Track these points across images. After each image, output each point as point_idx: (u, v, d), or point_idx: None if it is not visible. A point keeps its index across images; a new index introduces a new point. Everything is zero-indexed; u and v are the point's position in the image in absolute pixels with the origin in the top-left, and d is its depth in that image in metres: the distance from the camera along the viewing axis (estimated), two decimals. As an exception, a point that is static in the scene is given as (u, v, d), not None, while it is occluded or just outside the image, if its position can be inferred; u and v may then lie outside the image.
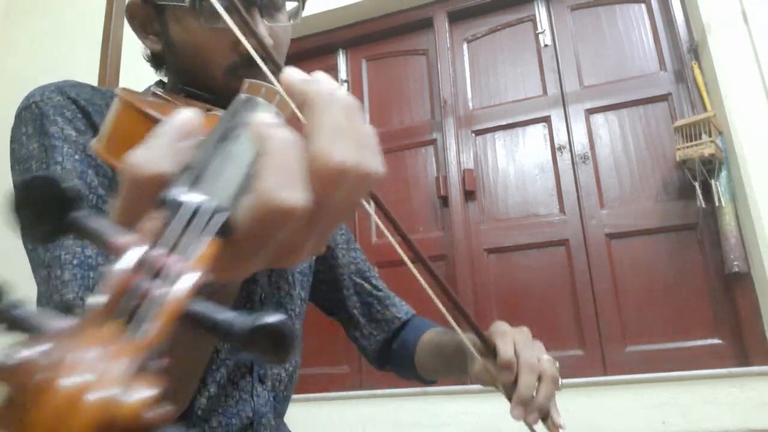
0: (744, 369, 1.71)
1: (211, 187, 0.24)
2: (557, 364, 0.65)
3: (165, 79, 0.74)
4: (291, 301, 0.76)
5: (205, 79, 0.64)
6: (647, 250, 1.97)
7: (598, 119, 2.16)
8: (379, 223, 0.62)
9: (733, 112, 1.85)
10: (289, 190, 0.25)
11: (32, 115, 0.59)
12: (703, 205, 1.83)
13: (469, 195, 2.23)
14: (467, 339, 0.69)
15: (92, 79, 1.92)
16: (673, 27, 2.09)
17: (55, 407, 0.15)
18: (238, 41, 0.53)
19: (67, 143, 0.58)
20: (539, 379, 0.63)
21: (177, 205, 0.23)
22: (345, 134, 0.28)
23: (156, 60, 0.72)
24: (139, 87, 0.68)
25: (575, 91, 2.20)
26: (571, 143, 2.15)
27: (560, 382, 0.64)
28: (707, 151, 1.78)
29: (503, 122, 2.28)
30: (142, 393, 0.17)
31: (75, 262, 0.52)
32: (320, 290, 0.91)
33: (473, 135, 2.32)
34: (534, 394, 0.62)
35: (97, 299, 0.19)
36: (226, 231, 0.24)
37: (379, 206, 0.61)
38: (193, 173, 0.25)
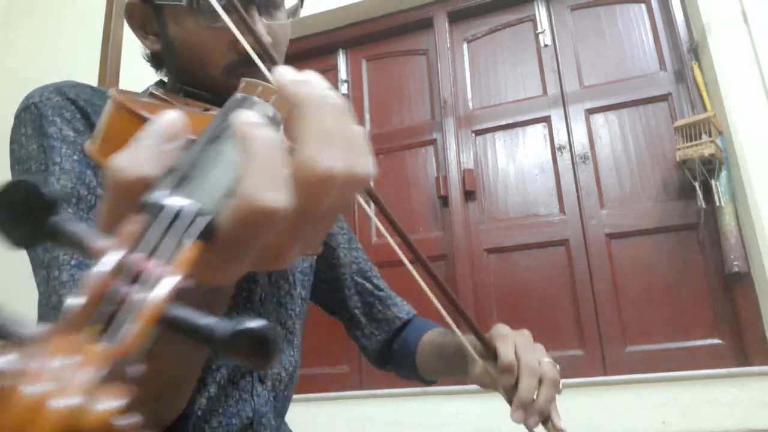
0: (744, 369, 1.71)
1: (194, 189, 0.24)
2: (558, 366, 0.65)
3: (166, 79, 0.74)
4: (291, 300, 0.76)
5: (204, 78, 0.64)
6: (647, 250, 1.97)
7: (598, 119, 2.16)
8: (379, 224, 0.62)
9: (733, 112, 1.85)
10: (271, 192, 0.24)
11: (31, 116, 0.60)
12: (703, 205, 1.83)
13: (469, 195, 2.23)
14: (467, 341, 0.69)
15: (92, 79, 1.92)
16: (673, 27, 2.09)
17: (16, 415, 0.15)
18: (237, 40, 0.53)
19: (66, 144, 0.58)
20: (540, 382, 0.63)
21: (158, 209, 0.23)
22: (334, 139, 0.28)
23: (156, 60, 0.72)
24: (139, 87, 0.68)
25: (575, 91, 2.20)
26: (571, 143, 2.15)
27: (560, 385, 0.64)
28: (707, 151, 1.78)
29: (503, 122, 2.28)
30: (109, 402, 0.16)
31: (73, 262, 0.52)
32: (322, 289, 0.91)
33: (473, 135, 2.32)
34: (534, 397, 0.62)
35: (72, 305, 0.19)
36: (209, 234, 0.24)
37: (379, 207, 0.61)
38: (177, 176, 0.24)
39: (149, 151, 0.25)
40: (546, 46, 2.29)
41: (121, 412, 0.16)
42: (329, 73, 2.62)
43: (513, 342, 0.65)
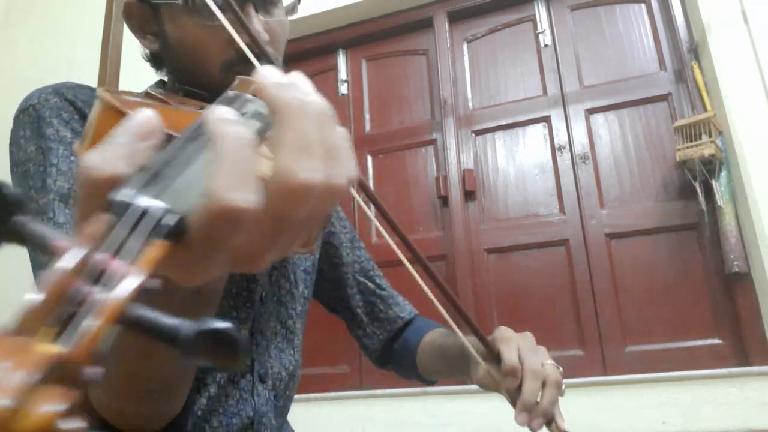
0: (744, 369, 1.71)
1: (165, 188, 0.24)
2: (561, 369, 0.65)
3: (166, 79, 0.74)
4: (292, 299, 0.76)
5: (202, 76, 0.64)
6: (647, 250, 1.97)
7: (598, 119, 2.16)
8: (378, 225, 0.62)
9: (733, 112, 1.85)
10: (239, 192, 0.24)
11: (30, 117, 0.60)
12: (704, 205, 1.83)
13: (469, 195, 2.23)
14: (470, 344, 0.69)
15: (92, 79, 1.92)
16: (673, 27, 2.09)
17: None
18: (234, 38, 0.53)
19: (63, 145, 0.58)
20: (543, 384, 0.63)
21: (123, 207, 0.22)
22: (313, 149, 0.27)
23: (155, 60, 0.72)
24: (139, 87, 0.68)
25: (575, 91, 2.20)
26: (571, 143, 2.15)
27: (563, 387, 0.65)
28: (707, 151, 1.78)
29: (503, 122, 2.28)
30: (47, 405, 0.16)
31: None
32: (324, 288, 0.91)
33: (473, 135, 2.32)
34: (538, 399, 0.62)
35: (29, 304, 0.18)
36: (177, 234, 0.23)
37: (378, 208, 0.61)
38: (148, 174, 0.24)
39: (121, 149, 0.25)
40: (546, 46, 2.29)
41: (62, 416, 0.16)
42: (329, 73, 2.63)
43: (516, 345, 0.65)
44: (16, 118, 0.62)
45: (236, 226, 0.24)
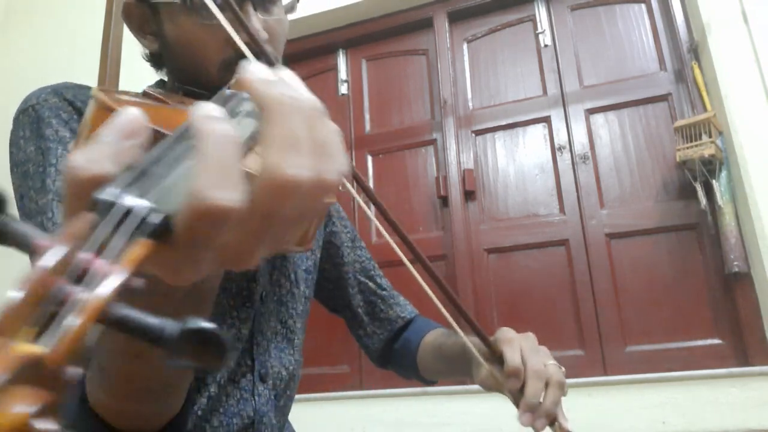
0: (744, 369, 1.71)
1: (151, 187, 0.24)
2: (563, 369, 0.66)
3: (166, 79, 0.74)
4: (293, 299, 0.76)
5: (202, 75, 0.64)
6: (647, 250, 1.97)
7: (598, 119, 2.16)
8: (379, 225, 0.62)
9: (733, 112, 1.85)
10: (223, 190, 0.23)
11: (29, 118, 0.60)
12: (703, 205, 1.83)
13: (469, 195, 2.23)
14: (472, 345, 0.69)
15: (92, 79, 1.92)
16: (673, 27, 2.09)
17: None
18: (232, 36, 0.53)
19: (62, 145, 0.58)
20: (546, 384, 0.63)
21: (107, 206, 0.22)
22: (301, 146, 0.27)
23: (155, 59, 0.72)
24: (139, 87, 0.68)
25: (575, 91, 2.20)
26: (571, 143, 2.15)
27: (566, 387, 0.65)
28: (707, 151, 1.78)
29: (503, 122, 2.28)
30: (19, 406, 0.16)
31: None
32: (325, 288, 0.91)
33: (473, 135, 2.32)
34: (541, 399, 0.62)
35: (9, 304, 0.18)
36: (162, 233, 0.23)
37: (379, 208, 0.61)
38: (134, 173, 0.24)
39: (107, 148, 0.25)
40: (546, 46, 2.29)
41: (34, 417, 0.16)
42: (329, 73, 2.63)
43: (519, 346, 0.65)
44: (16, 119, 0.62)
45: (221, 225, 0.24)
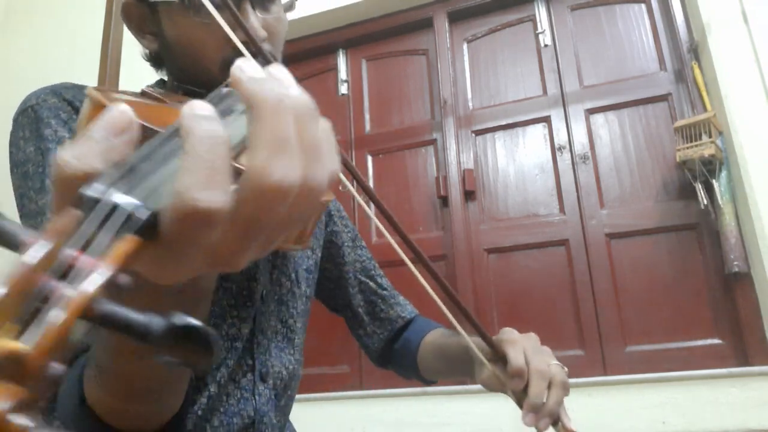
0: (744, 369, 1.71)
1: (139, 184, 0.23)
2: (566, 369, 0.66)
3: (166, 79, 0.74)
4: (294, 298, 0.76)
5: (201, 74, 0.64)
6: (647, 250, 1.97)
7: (598, 119, 2.16)
8: (379, 224, 0.62)
9: (733, 112, 1.85)
10: (207, 191, 0.23)
11: (28, 119, 0.60)
12: (703, 205, 1.83)
13: (469, 195, 2.23)
14: (475, 345, 0.69)
15: (92, 79, 1.92)
16: (673, 27, 2.09)
17: None
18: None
19: (61, 145, 0.58)
20: (549, 385, 0.63)
21: (92, 203, 0.22)
22: (289, 147, 0.26)
23: (155, 59, 0.72)
24: (140, 87, 0.68)
25: (575, 91, 2.20)
26: (571, 143, 2.15)
27: (569, 387, 0.65)
28: (707, 151, 1.78)
29: (503, 122, 2.28)
30: None
31: None
32: (326, 287, 0.91)
33: (473, 135, 2.32)
34: (544, 399, 0.63)
35: None
36: (148, 230, 0.23)
37: (379, 207, 0.61)
38: (122, 170, 0.24)
39: (95, 145, 0.24)
40: (546, 46, 2.29)
41: (8, 412, 0.16)
42: (329, 73, 2.63)
43: (522, 346, 0.66)
44: (15, 120, 0.62)
45: (205, 226, 0.24)
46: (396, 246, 0.62)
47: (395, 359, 0.93)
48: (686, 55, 2.04)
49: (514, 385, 0.64)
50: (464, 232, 2.18)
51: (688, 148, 1.82)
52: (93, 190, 0.22)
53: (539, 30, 2.32)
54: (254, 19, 0.62)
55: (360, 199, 0.61)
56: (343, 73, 2.60)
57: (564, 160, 2.15)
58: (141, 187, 0.23)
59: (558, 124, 2.20)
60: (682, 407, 1.70)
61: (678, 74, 2.07)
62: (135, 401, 0.40)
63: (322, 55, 2.64)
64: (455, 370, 0.83)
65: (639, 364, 1.86)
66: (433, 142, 2.37)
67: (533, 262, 2.10)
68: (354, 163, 2.40)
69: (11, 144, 0.62)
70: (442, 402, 1.93)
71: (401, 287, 0.97)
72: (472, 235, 2.19)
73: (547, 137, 2.21)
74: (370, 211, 0.63)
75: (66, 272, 0.20)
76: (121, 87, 1.84)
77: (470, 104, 2.36)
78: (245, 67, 0.27)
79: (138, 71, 0.89)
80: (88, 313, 0.19)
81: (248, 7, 0.63)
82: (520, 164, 2.22)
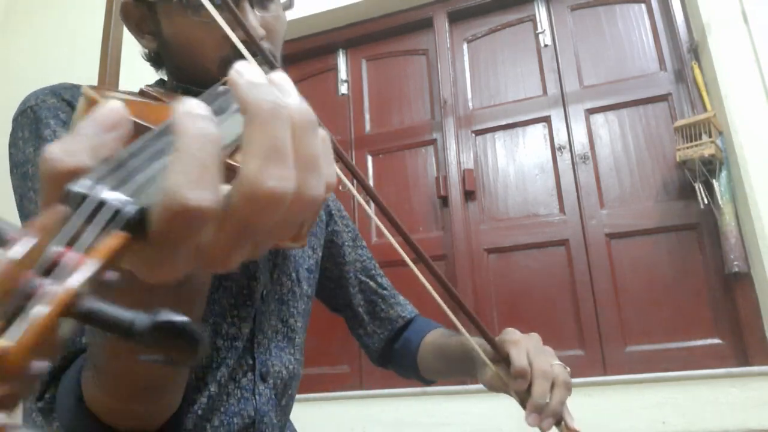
0: (744, 369, 1.71)
1: (127, 180, 0.23)
2: (568, 369, 0.66)
3: (166, 78, 0.74)
4: (294, 298, 0.76)
5: (200, 73, 0.64)
6: (647, 250, 1.97)
7: (598, 119, 2.16)
8: (380, 224, 0.62)
9: (733, 112, 1.85)
10: (196, 191, 0.23)
11: (28, 119, 0.60)
12: (703, 205, 1.83)
13: (469, 195, 2.23)
14: (478, 346, 0.69)
15: (92, 79, 1.92)
16: (673, 27, 2.09)
17: None
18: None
19: None
20: (552, 385, 0.64)
21: (79, 199, 0.22)
22: (283, 156, 0.25)
23: (154, 59, 0.72)
24: (140, 87, 0.68)
25: (575, 91, 2.20)
26: (571, 143, 2.15)
27: (571, 387, 0.65)
28: (707, 151, 1.78)
29: (503, 122, 2.28)
30: None
31: None
32: (326, 287, 0.91)
33: (473, 135, 2.32)
34: (548, 400, 0.63)
35: None
36: (137, 227, 0.22)
37: (380, 207, 0.61)
38: (111, 166, 0.23)
39: (85, 140, 0.24)
40: (546, 46, 2.29)
41: None
42: (329, 73, 2.63)
43: (525, 347, 0.66)
44: (15, 120, 0.62)
45: (195, 224, 0.23)
46: (397, 246, 0.62)
47: (395, 359, 0.93)
48: (686, 55, 2.04)
49: (518, 385, 0.64)
50: (464, 232, 2.18)
51: (688, 147, 1.82)
52: (80, 186, 0.22)
53: (539, 30, 2.32)
54: (253, 18, 0.63)
55: (360, 198, 0.61)
56: (343, 73, 2.59)
57: (564, 160, 2.15)
58: (130, 184, 0.23)
59: (558, 124, 2.19)
60: (682, 407, 1.70)
61: (678, 74, 2.07)
62: (133, 401, 0.40)
63: (322, 55, 2.64)
64: (455, 370, 0.83)
65: (639, 364, 1.86)
66: (433, 142, 2.37)
67: (533, 262, 2.10)
68: (354, 163, 2.40)
69: (11, 145, 0.62)
70: (442, 402, 1.93)
71: (401, 287, 0.97)
72: (472, 235, 2.19)
73: (547, 137, 2.21)
74: (371, 210, 0.63)
75: (51, 268, 0.19)
76: (121, 87, 1.84)
77: (470, 104, 2.36)
78: (244, 71, 0.27)
79: (138, 71, 0.89)
80: (72, 309, 0.19)
81: (247, 6, 0.63)
82: (520, 164, 2.22)
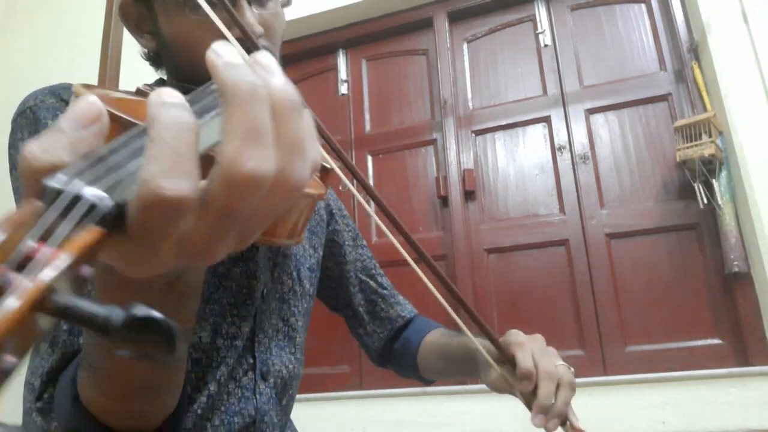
0: (744, 369, 1.71)
1: (105, 174, 0.23)
2: (572, 369, 0.67)
3: (165, 78, 0.74)
4: (295, 296, 0.76)
5: (199, 72, 0.63)
6: (647, 250, 1.97)
7: (598, 119, 2.16)
8: (381, 224, 0.62)
9: (733, 112, 1.85)
10: (172, 179, 0.22)
11: (27, 120, 0.60)
12: (703, 205, 1.83)
13: (469, 195, 2.23)
14: (483, 347, 0.69)
15: (92, 79, 1.92)
16: (673, 27, 2.09)
17: None
18: (228, 31, 0.53)
19: None
20: (557, 386, 0.64)
21: (55, 193, 0.21)
22: (262, 137, 0.25)
23: (154, 58, 0.72)
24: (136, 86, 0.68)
25: (575, 91, 2.20)
26: (571, 143, 2.15)
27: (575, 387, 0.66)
28: (707, 151, 1.78)
29: (503, 122, 2.28)
30: None
31: None
32: (327, 286, 0.91)
33: (473, 135, 2.32)
34: (553, 400, 0.63)
35: None
36: (114, 221, 0.22)
37: (381, 207, 0.61)
38: (88, 161, 0.23)
39: (62, 136, 0.24)
40: (546, 46, 2.29)
41: None
42: (329, 73, 2.63)
43: (530, 349, 0.66)
44: (14, 121, 0.62)
45: (173, 215, 0.23)
46: (399, 246, 0.62)
47: (395, 359, 0.93)
48: (686, 55, 2.04)
49: (523, 387, 0.64)
50: (464, 232, 2.18)
51: (688, 147, 1.82)
52: (56, 181, 0.22)
53: (539, 30, 2.32)
54: (250, 15, 0.62)
55: (360, 198, 0.61)
56: (343, 73, 2.59)
57: (564, 160, 2.15)
58: (108, 179, 0.23)
59: (558, 124, 2.19)
60: (682, 407, 1.70)
61: (678, 74, 2.07)
62: (129, 400, 0.40)
63: (322, 55, 2.64)
64: (456, 370, 0.83)
65: (639, 364, 1.85)
66: (433, 142, 2.37)
67: (533, 262, 2.10)
68: (354, 163, 2.40)
69: (10, 146, 0.62)
70: (442, 402, 1.93)
71: (402, 287, 0.97)
72: (472, 235, 2.19)
73: (547, 137, 2.21)
74: (371, 210, 0.63)
75: (24, 263, 0.19)
76: (121, 87, 1.84)
77: (470, 104, 2.36)
78: (222, 52, 0.26)
79: (138, 71, 0.89)
80: (45, 303, 0.19)
81: (244, 3, 0.63)
82: (520, 164, 2.22)
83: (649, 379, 1.77)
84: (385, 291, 0.93)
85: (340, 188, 0.63)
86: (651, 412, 1.72)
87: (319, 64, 2.64)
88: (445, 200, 2.25)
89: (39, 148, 0.23)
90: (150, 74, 0.74)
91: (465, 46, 2.44)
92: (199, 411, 0.63)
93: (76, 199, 0.21)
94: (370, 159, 2.44)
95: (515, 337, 0.69)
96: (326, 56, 2.64)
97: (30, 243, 0.20)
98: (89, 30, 2.22)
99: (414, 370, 0.90)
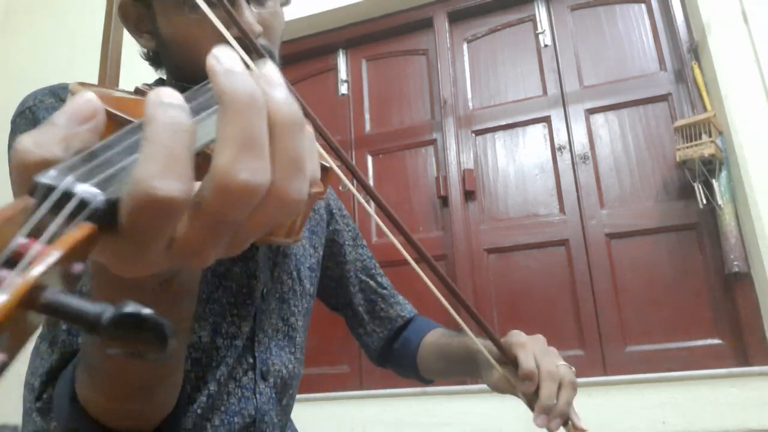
0: (744, 369, 1.71)
1: (98, 172, 0.23)
2: (573, 369, 0.67)
3: (165, 78, 0.74)
4: (295, 296, 0.76)
5: (198, 71, 0.63)
6: (647, 250, 1.97)
7: (598, 119, 2.16)
8: (381, 224, 0.62)
9: (733, 112, 1.85)
10: (165, 180, 0.22)
11: (26, 120, 0.60)
12: (703, 205, 1.83)
13: (469, 195, 2.23)
14: (484, 348, 0.70)
15: (92, 79, 1.92)
16: (673, 27, 2.09)
17: None
18: (228, 30, 0.53)
19: None
20: (559, 386, 0.64)
21: (46, 189, 0.21)
22: (258, 148, 0.24)
23: (153, 58, 0.72)
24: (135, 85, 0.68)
25: (575, 91, 2.20)
26: (571, 143, 2.15)
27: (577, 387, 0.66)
28: (707, 151, 1.78)
29: (503, 122, 2.28)
30: None
31: None
32: (327, 286, 0.91)
33: (473, 135, 2.32)
34: (555, 401, 0.63)
35: None
36: (106, 218, 0.22)
37: (381, 207, 0.61)
38: (81, 158, 0.23)
39: (57, 132, 0.24)
40: (546, 46, 2.29)
41: None
42: (329, 73, 2.63)
43: (531, 349, 0.66)
44: (13, 121, 0.62)
45: (165, 216, 0.23)
46: (400, 247, 0.62)
47: (395, 358, 0.93)
48: (686, 55, 2.04)
49: (526, 387, 0.65)
50: (464, 232, 2.18)
51: (688, 147, 1.82)
52: (47, 177, 0.21)
53: (539, 30, 2.32)
54: (249, 14, 0.62)
55: (361, 198, 0.61)
56: (343, 73, 2.59)
57: (564, 160, 2.15)
58: (100, 176, 0.23)
59: (558, 124, 2.19)
60: (682, 407, 1.70)
61: (678, 74, 2.07)
62: (127, 400, 0.40)
63: (322, 55, 2.64)
64: (457, 370, 0.83)
65: (639, 364, 1.85)
66: (433, 142, 2.37)
67: (533, 262, 2.10)
68: (354, 163, 2.40)
69: (10, 146, 0.62)
70: (442, 402, 1.93)
71: (402, 287, 0.97)
72: (472, 235, 2.19)
73: (547, 137, 2.21)
74: (371, 210, 0.63)
75: (13, 259, 0.19)
76: (121, 87, 1.83)
77: (470, 104, 2.36)
78: (222, 58, 0.26)
79: (138, 71, 0.89)
80: (34, 300, 0.18)
81: (243, 2, 0.63)
82: (520, 164, 2.22)
83: (649, 379, 1.77)
84: (384, 291, 0.93)
85: (340, 188, 0.63)
86: (651, 412, 1.72)
87: (319, 64, 2.64)
88: (445, 200, 2.25)
89: (32, 142, 0.23)
90: (150, 74, 0.74)
91: (465, 46, 2.44)
92: (198, 411, 0.63)
93: (68, 195, 0.21)
94: (370, 159, 2.44)
95: (517, 337, 0.69)
96: (326, 56, 2.64)
97: (20, 239, 0.19)
98: (89, 30, 2.22)
99: (413, 370, 0.90)
